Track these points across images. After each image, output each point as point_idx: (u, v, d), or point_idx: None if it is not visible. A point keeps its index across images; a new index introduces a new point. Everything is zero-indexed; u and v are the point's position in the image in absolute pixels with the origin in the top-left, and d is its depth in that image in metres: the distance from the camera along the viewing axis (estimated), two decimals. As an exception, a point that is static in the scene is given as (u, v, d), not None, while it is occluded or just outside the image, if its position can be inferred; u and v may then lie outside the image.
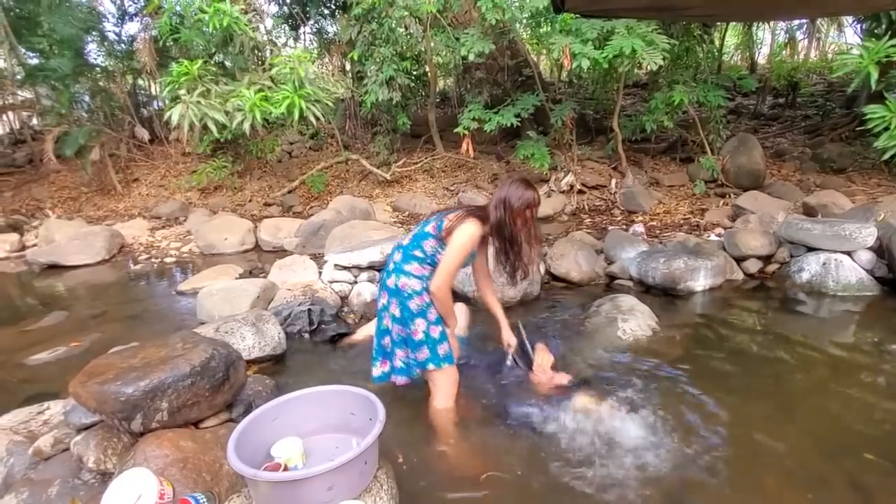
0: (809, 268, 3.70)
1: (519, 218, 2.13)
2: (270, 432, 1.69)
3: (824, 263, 3.66)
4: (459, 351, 2.57)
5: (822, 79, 10.43)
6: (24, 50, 8.29)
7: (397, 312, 2.17)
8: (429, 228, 2.19)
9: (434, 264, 2.17)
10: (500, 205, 2.13)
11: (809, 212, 4.87)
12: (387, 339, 2.26)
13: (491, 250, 2.27)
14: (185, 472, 1.68)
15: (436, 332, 2.17)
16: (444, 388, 2.20)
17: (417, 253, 2.18)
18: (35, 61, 8.35)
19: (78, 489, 1.77)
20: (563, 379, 2.41)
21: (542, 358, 2.46)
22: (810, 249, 3.82)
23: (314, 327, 3.24)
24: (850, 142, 6.94)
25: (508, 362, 2.52)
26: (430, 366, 2.15)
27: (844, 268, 3.60)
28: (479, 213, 2.18)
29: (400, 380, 2.24)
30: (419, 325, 2.15)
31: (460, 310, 2.88)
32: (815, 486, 1.83)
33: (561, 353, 2.85)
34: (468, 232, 2.10)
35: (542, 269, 4.01)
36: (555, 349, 2.63)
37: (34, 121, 9.97)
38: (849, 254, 3.67)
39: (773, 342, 2.95)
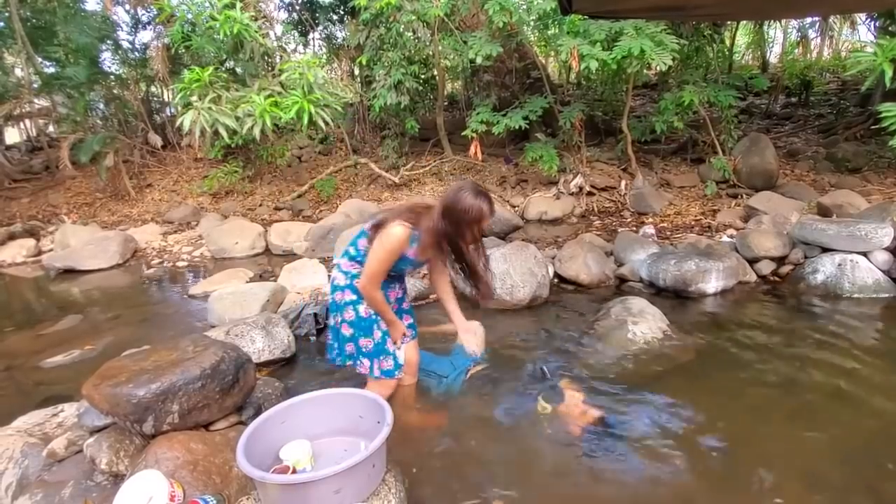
0: (824, 269, 3.64)
1: (466, 232, 1.95)
2: (279, 435, 1.69)
3: (839, 265, 3.59)
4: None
5: (835, 77, 10.27)
6: (40, 59, 8.47)
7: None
8: (366, 226, 2.11)
9: (363, 262, 2.09)
10: (445, 214, 1.91)
11: (824, 212, 4.79)
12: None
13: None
14: (195, 474, 1.69)
15: (347, 331, 2.16)
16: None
17: (351, 250, 2.15)
18: (51, 70, 8.53)
19: (90, 491, 1.79)
20: (595, 412, 2.29)
21: (571, 395, 2.42)
22: (825, 250, 3.76)
23: (321, 327, 3.27)
24: (865, 141, 6.83)
25: (536, 371, 2.60)
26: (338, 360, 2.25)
27: (860, 269, 3.54)
28: (413, 216, 1.98)
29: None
30: (334, 319, 2.21)
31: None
32: (833, 494, 1.79)
33: (571, 356, 2.84)
34: (392, 236, 1.93)
35: (551, 272, 3.98)
36: (553, 372, 2.61)
37: (50, 128, 10.15)
38: (865, 254, 3.61)
39: (788, 346, 2.90)
